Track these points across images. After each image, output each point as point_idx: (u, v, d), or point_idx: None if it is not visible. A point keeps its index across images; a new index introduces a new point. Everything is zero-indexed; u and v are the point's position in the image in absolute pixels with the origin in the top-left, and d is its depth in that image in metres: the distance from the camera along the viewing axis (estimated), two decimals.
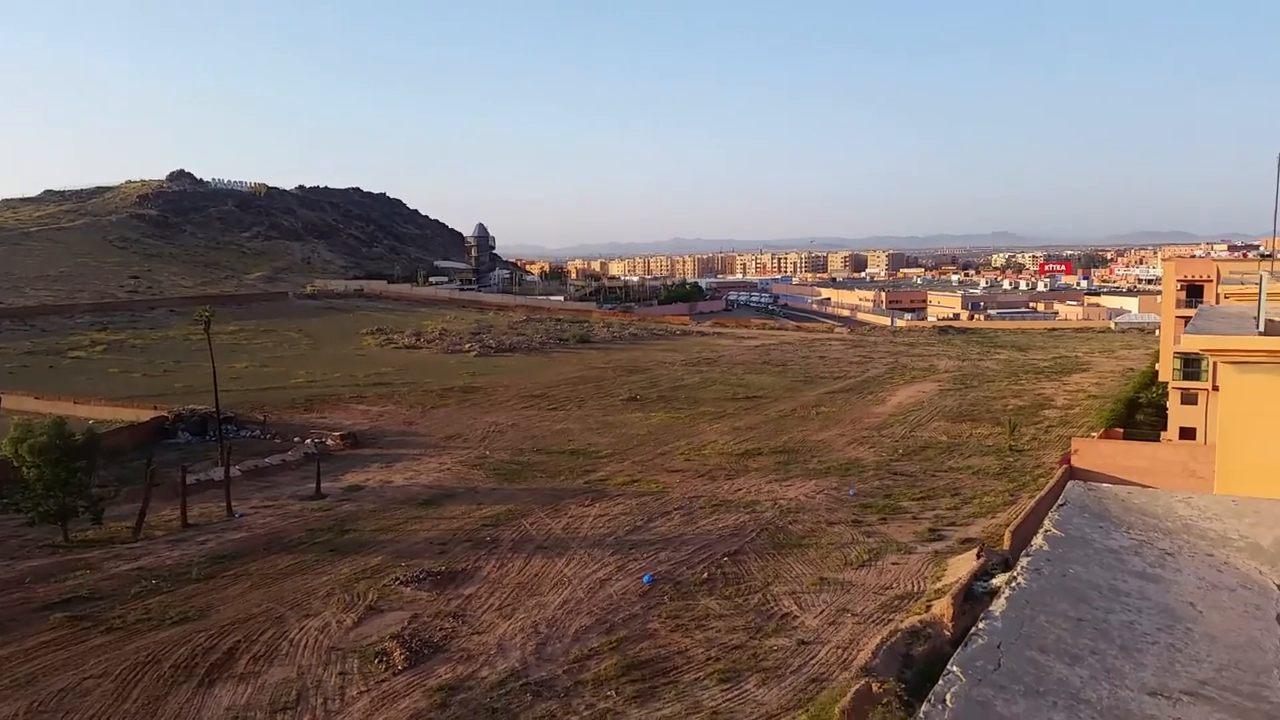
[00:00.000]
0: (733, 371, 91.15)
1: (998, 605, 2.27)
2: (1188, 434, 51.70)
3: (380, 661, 28.13)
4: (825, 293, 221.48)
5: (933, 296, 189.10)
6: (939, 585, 33.03)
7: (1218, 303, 22.92)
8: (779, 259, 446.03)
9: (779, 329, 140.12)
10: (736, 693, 26.07)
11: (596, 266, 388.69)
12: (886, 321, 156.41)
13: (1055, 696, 1.87)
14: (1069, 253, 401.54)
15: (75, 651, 28.79)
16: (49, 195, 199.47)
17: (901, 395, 77.06)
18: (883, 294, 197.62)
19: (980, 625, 2.15)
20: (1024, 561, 2.56)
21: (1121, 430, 54.82)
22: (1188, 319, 22.69)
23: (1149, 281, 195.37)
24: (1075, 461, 47.58)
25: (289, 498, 47.32)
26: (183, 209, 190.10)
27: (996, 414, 66.64)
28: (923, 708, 1.85)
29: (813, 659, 28.13)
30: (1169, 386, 54.60)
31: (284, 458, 54.96)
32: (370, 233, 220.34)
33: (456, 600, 33.21)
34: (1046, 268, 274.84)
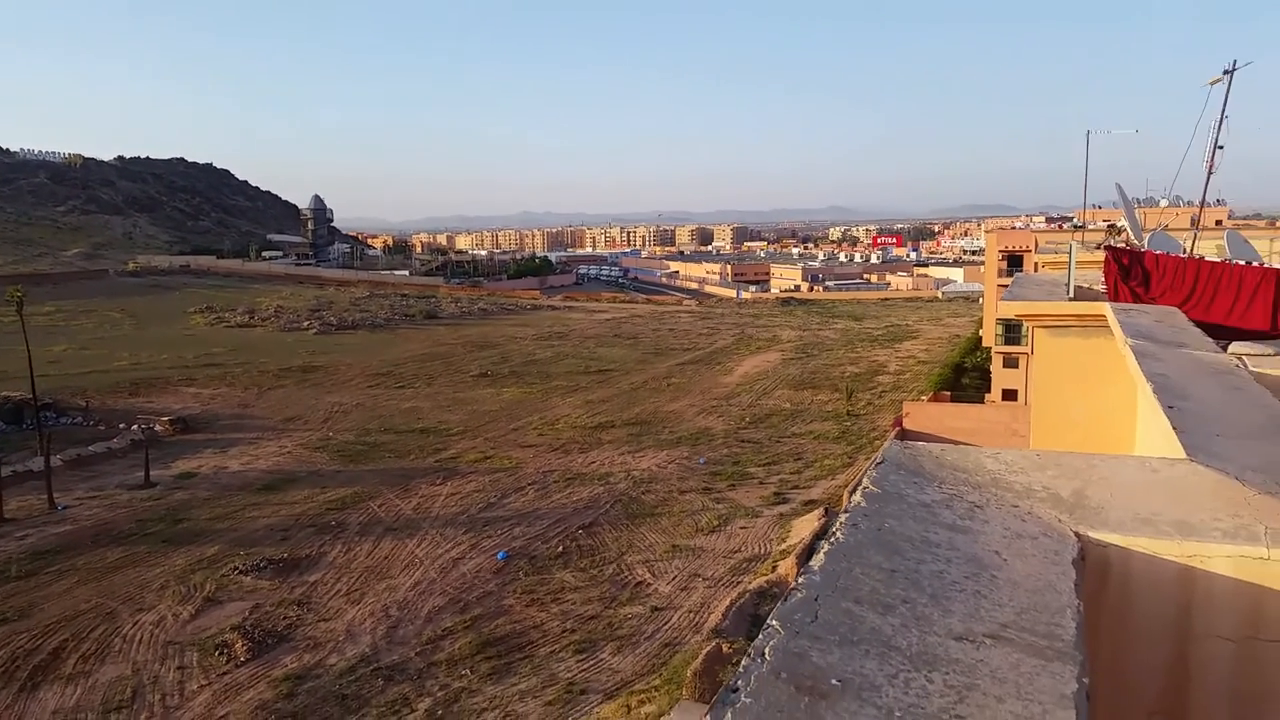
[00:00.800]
0: (584, 345, 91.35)
1: (817, 560, 2.34)
2: (1010, 395, 55.35)
3: (221, 654, 26.97)
4: (674, 266, 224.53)
5: (775, 269, 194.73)
6: (784, 546, 34.29)
7: (1035, 271, 24.57)
8: (628, 233, 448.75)
9: (629, 302, 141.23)
10: (592, 662, 26.37)
11: (443, 240, 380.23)
12: (733, 294, 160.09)
13: (868, 645, 1.94)
14: (899, 226, 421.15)
15: None
16: None
17: (748, 365, 79.19)
18: (729, 267, 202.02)
19: (799, 580, 2.21)
20: (843, 518, 2.65)
21: (949, 394, 58.17)
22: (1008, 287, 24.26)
23: (973, 253, 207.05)
24: (907, 424, 50.20)
25: (116, 487, 44.38)
26: None
27: (835, 381, 69.43)
28: (743, 662, 1.88)
29: (666, 624, 28.77)
30: (992, 351, 58.27)
31: (109, 445, 51.43)
32: (197, 205, 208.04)
33: (301, 588, 32.12)
34: (879, 241, 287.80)
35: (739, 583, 31.43)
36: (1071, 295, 9.01)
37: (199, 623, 29.24)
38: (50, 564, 34.02)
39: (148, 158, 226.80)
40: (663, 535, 36.79)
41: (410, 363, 78.98)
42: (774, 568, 31.74)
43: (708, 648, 24.77)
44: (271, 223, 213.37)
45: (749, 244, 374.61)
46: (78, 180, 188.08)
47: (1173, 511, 2.89)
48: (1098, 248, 11.13)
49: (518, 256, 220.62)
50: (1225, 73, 12.89)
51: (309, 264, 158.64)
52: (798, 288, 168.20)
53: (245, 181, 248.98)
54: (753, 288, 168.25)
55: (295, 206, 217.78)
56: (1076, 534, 2.72)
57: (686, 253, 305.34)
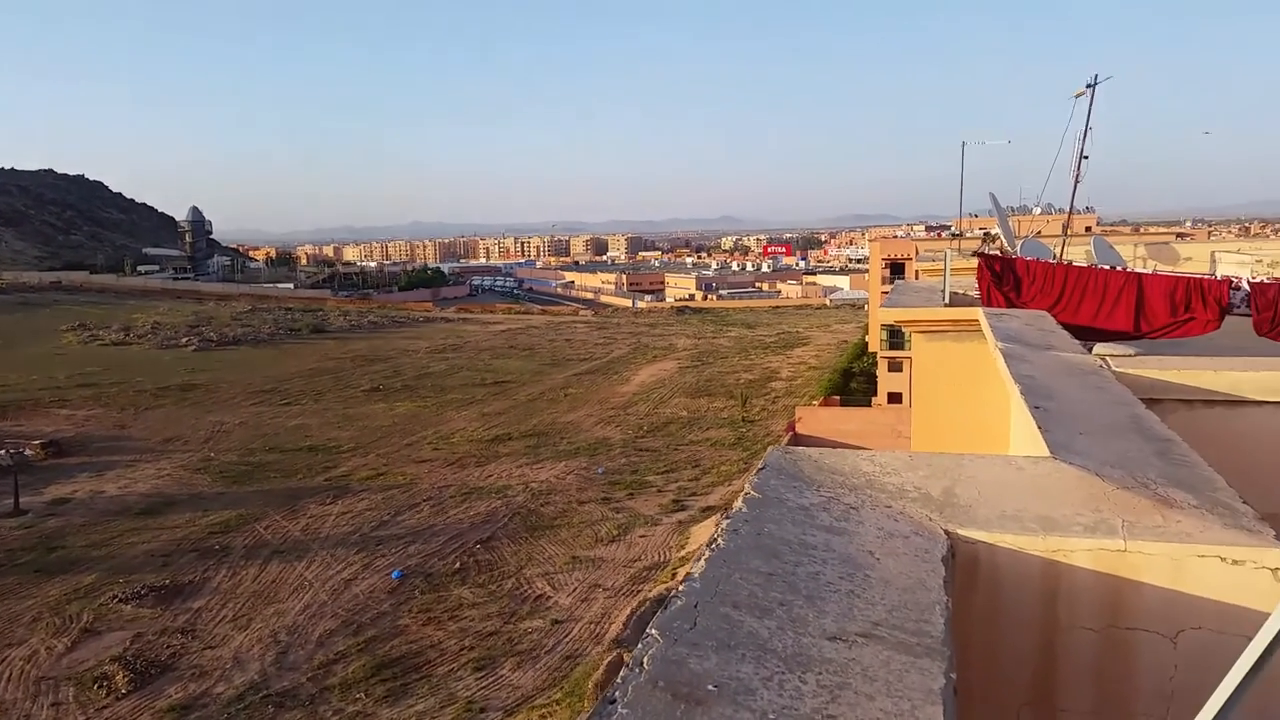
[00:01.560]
0: (480, 357, 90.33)
1: (697, 567, 2.35)
2: (895, 398, 57.17)
3: (100, 687, 25.62)
4: (569, 276, 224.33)
5: (670, 278, 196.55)
6: (684, 553, 34.56)
7: (916, 279, 25.43)
8: (523, 243, 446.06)
9: (525, 313, 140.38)
10: (492, 679, 26.02)
11: (330, 252, 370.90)
12: (628, 303, 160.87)
13: (745, 649, 1.95)
14: (788, 235, 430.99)
15: None
16: None
17: (644, 374, 79.64)
18: (624, 276, 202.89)
19: (681, 588, 2.21)
20: (724, 524, 2.67)
21: (839, 398, 59.76)
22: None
23: (858, 261, 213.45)
24: (799, 428, 51.29)
25: None
26: None
27: (730, 388, 70.47)
28: (621, 672, 1.86)
29: (567, 637, 28.62)
30: (878, 356, 60.13)
31: None
32: (68, 219, 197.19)
33: (185, 615, 30.76)
34: (769, 250, 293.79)
35: (639, 591, 31.51)
36: (947, 301, 9.35)
37: (76, 655, 27.72)
38: None
39: (12, 169, 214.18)
40: (562, 547, 36.61)
41: (296, 379, 76.61)
42: (674, 575, 31.94)
43: (609, 658, 24.74)
44: (148, 236, 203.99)
45: (644, 254, 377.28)
46: None
47: (1037, 508, 3.00)
48: (973, 255, 11.59)
49: (409, 268, 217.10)
50: (1088, 86, 13.62)
51: (187, 278, 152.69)
52: (692, 296, 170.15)
53: (119, 194, 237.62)
54: (648, 297, 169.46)
55: (172, 219, 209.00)
56: (946, 532, 2.80)
57: (582, 263, 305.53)
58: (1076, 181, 12.54)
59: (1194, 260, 28.42)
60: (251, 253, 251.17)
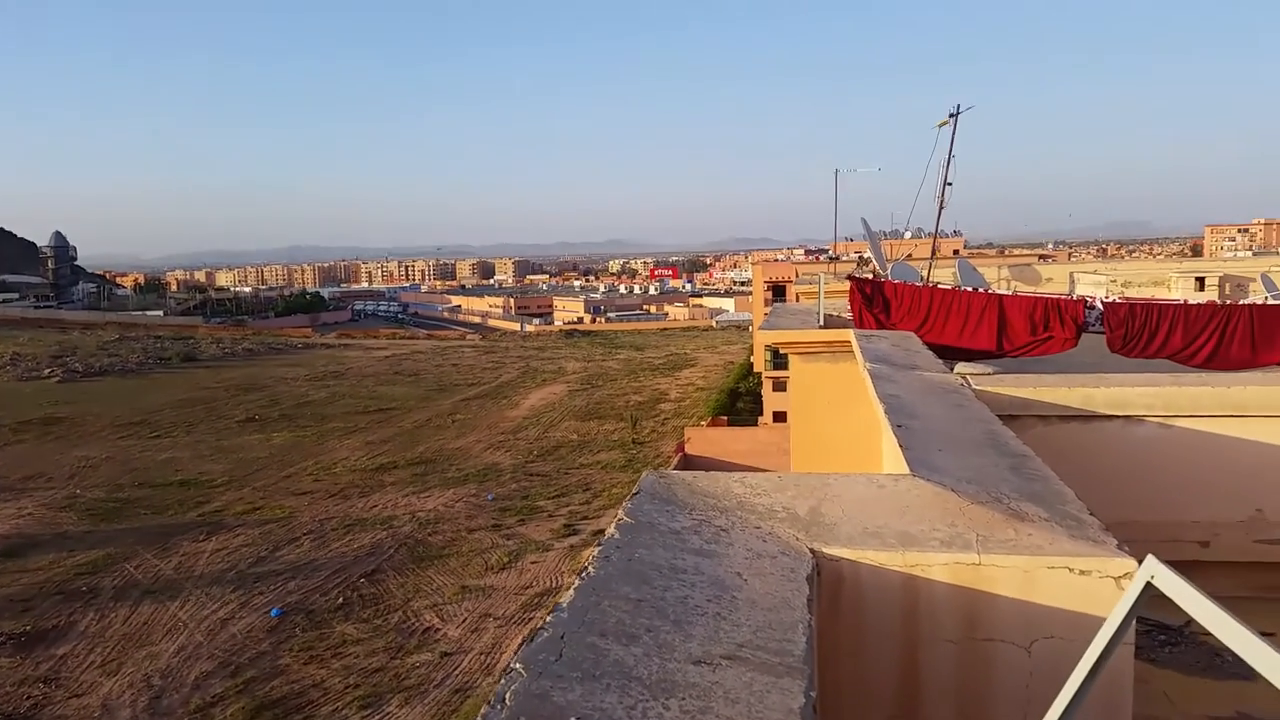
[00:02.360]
0: (363, 384, 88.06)
1: (566, 597, 2.34)
2: (780, 417, 58.28)
3: None
4: (456, 300, 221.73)
5: (558, 302, 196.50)
6: (576, 578, 34.33)
7: (796, 301, 26.11)
8: (406, 267, 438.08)
9: (410, 338, 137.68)
10: (378, 717, 25.27)
11: (202, 277, 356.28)
12: (517, 327, 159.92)
13: (610, 678, 1.96)
14: (675, 258, 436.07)
15: None
16: None
17: (534, 398, 79.10)
18: (512, 300, 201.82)
19: (548, 619, 2.20)
20: (595, 551, 2.68)
21: (726, 418, 60.64)
22: None
23: (742, 283, 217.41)
24: (688, 449, 51.80)
25: None
26: None
27: (620, 410, 70.64)
28: (482, 709, 1.84)
29: (456, 669, 28.03)
30: (763, 376, 61.30)
31: None
32: None
33: (48, 662, 28.82)
34: (656, 273, 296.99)
35: (531, 619, 31.13)
36: (822, 324, 9.64)
37: None
38: None
39: None
40: (451, 577, 35.89)
41: (167, 410, 73.05)
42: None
43: None
44: (4, 263, 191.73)
45: (531, 277, 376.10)
46: None
47: (897, 524, 3.12)
48: (846, 278, 11.99)
49: (287, 293, 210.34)
50: (951, 115, 14.31)
51: (49, 306, 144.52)
52: (581, 320, 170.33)
53: None
54: (536, 320, 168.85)
55: (33, 244, 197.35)
56: (812, 550, 2.88)
57: (468, 286, 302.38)
58: (941, 207, 13.13)
59: (1054, 281, 30.10)
60: (119, 279, 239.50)
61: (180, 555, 38.90)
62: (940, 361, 7.04)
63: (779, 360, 56.93)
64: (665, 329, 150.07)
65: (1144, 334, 9.99)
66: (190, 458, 57.58)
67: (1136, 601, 1.92)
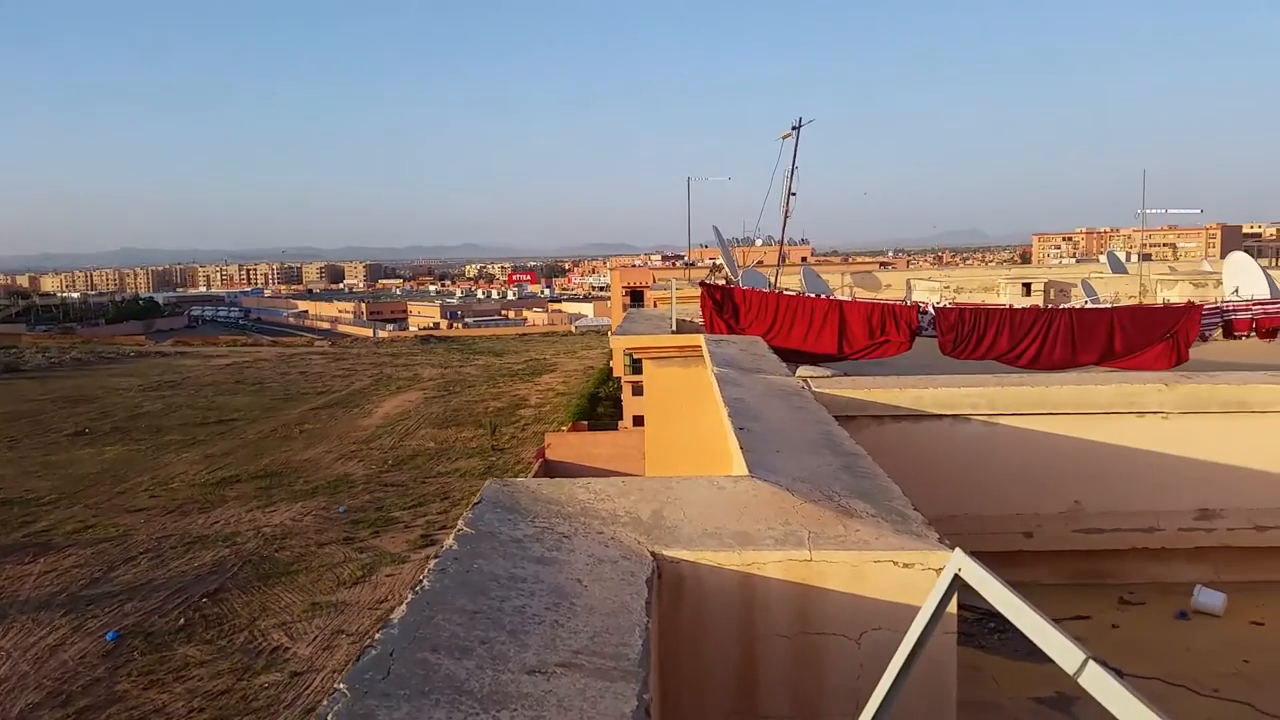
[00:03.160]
0: (202, 394, 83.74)
1: (398, 612, 2.30)
2: (640, 421, 58.62)
3: None
4: (302, 305, 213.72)
5: (413, 307, 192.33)
6: None
7: (654, 306, 26.41)
8: (248, 270, 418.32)
9: (253, 345, 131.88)
10: None
11: (24, 282, 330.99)
12: (369, 333, 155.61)
13: (439, 694, 1.93)
14: (533, 263, 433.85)
15: None
16: None
17: (388, 406, 77.11)
18: (363, 305, 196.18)
19: (377, 636, 2.15)
20: (432, 564, 2.63)
21: (587, 423, 60.74)
22: None
23: (601, 289, 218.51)
24: (549, 454, 51.63)
25: None
26: None
27: (479, 417, 69.71)
28: None
29: (308, 688, 27.04)
30: (622, 381, 61.71)
31: None
32: None
33: None
34: (514, 278, 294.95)
35: None
36: (675, 329, 9.80)
37: None
38: None
39: None
40: (300, 594, 34.56)
41: None
42: None
43: None
44: None
45: (384, 281, 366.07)
46: None
47: (734, 524, 3.20)
48: (699, 284, 12.25)
49: (118, 298, 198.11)
50: (793, 128, 14.80)
51: None
52: (437, 325, 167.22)
53: None
54: (390, 326, 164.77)
55: None
56: (653, 553, 2.92)
57: (316, 291, 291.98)
58: (786, 216, 13.57)
59: (893, 287, 31.61)
60: None
61: (3, 579, 36.12)
62: (785, 365, 7.27)
63: (638, 364, 57.45)
64: (524, 334, 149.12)
65: (973, 337, 10.59)
66: (14, 475, 53.40)
67: (947, 592, 2.03)
